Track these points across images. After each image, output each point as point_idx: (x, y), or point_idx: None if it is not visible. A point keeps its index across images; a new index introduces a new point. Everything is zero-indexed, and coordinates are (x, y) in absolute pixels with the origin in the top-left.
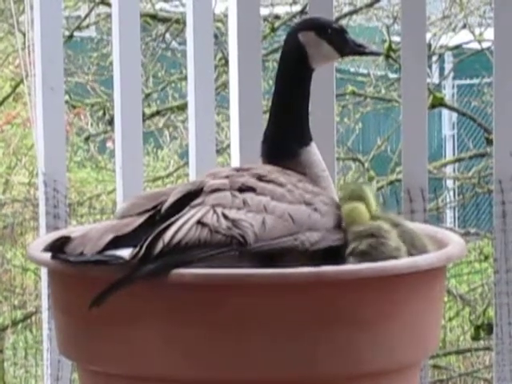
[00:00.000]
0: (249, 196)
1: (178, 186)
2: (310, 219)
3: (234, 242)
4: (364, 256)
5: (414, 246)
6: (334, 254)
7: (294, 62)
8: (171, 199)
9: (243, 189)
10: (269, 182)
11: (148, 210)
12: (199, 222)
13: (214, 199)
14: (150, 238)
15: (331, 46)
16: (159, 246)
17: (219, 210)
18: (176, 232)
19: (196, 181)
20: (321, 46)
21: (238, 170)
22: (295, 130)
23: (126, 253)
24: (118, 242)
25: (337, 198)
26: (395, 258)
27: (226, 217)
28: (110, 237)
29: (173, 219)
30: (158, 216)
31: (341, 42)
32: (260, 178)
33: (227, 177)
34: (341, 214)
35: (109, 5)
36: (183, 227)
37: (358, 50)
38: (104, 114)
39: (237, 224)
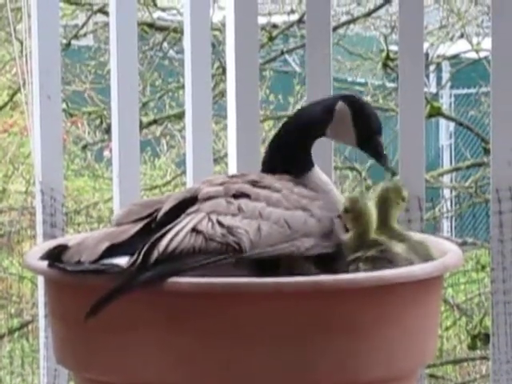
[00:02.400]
0: (243, 202)
1: (173, 194)
2: (306, 225)
3: (229, 249)
4: (376, 261)
5: (419, 256)
6: (328, 259)
7: (316, 118)
8: (166, 206)
9: (237, 195)
10: (263, 187)
11: (144, 218)
12: (194, 230)
13: (209, 206)
14: (146, 247)
15: (355, 133)
16: (154, 254)
17: (214, 217)
18: (171, 240)
19: (191, 188)
20: (346, 128)
21: (232, 176)
22: (291, 160)
23: (122, 261)
24: (114, 250)
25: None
26: (409, 260)
27: (220, 224)
28: (106, 245)
29: (168, 227)
30: (154, 224)
31: (366, 138)
32: (254, 183)
33: (222, 184)
34: (337, 219)
35: (106, 13)
36: (178, 235)
37: (376, 157)
38: (101, 122)
39: (232, 231)
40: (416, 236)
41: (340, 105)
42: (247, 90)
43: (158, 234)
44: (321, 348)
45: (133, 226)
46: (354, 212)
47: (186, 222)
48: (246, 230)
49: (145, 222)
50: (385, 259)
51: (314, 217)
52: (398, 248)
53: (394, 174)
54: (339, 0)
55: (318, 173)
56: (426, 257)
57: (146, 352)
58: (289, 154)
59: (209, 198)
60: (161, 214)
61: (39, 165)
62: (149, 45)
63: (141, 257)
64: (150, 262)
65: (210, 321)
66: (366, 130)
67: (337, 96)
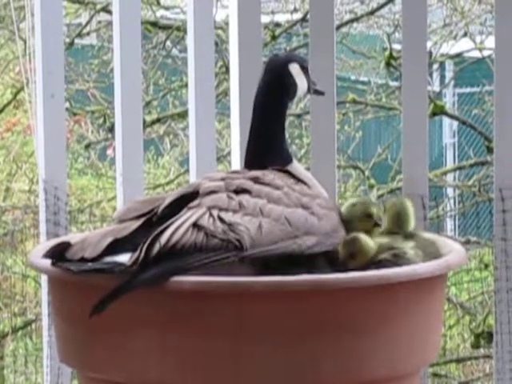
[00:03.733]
0: (244, 198)
1: (175, 190)
2: (307, 223)
3: (230, 246)
4: (388, 265)
5: (426, 254)
6: (330, 257)
7: (286, 92)
8: (167, 200)
9: (238, 191)
10: (265, 184)
11: (145, 214)
12: (195, 225)
13: (210, 201)
14: (147, 242)
15: (307, 82)
16: (156, 248)
17: (215, 212)
18: (172, 234)
19: (192, 183)
20: (303, 79)
21: (233, 172)
22: (275, 153)
23: (125, 258)
24: (116, 245)
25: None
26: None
27: (222, 220)
28: (108, 240)
29: (169, 221)
30: (155, 218)
31: (311, 81)
32: (255, 180)
33: (223, 179)
34: (338, 217)
35: (110, 12)
36: (179, 230)
37: (314, 88)
38: (104, 121)
39: (233, 228)
40: (427, 235)
41: (291, 67)
42: (250, 89)
43: (160, 228)
44: (325, 346)
45: (134, 222)
46: (356, 253)
47: (187, 217)
48: (247, 227)
49: (146, 217)
50: (396, 264)
51: (314, 215)
52: (408, 249)
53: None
54: None
55: (298, 166)
56: (435, 255)
57: (149, 351)
58: (274, 143)
59: (210, 192)
60: (162, 207)
61: (43, 163)
62: (152, 43)
63: (143, 253)
64: (152, 255)
65: (213, 320)
66: (309, 74)
67: (281, 63)
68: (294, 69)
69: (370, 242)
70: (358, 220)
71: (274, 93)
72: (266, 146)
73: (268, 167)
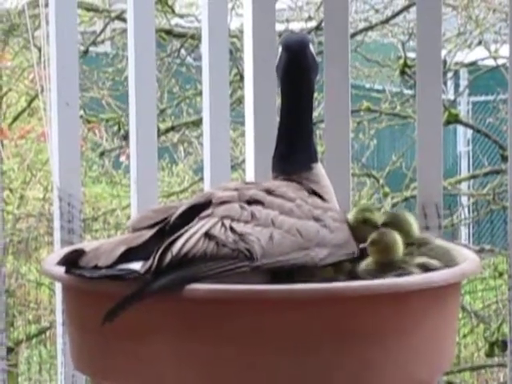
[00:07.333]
0: (257, 209)
1: (188, 199)
2: (319, 235)
3: (240, 256)
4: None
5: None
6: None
7: (315, 75)
8: (180, 210)
9: (251, 202)
10: (277, 196)
11: (158, 223)
12: (207, 235)
13: (222, 211)
14: (160, 250)
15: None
16: (168, 257)
17: (227, 222)
18: (184, 244)
19: (205, 193)
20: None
21: (246, 183)
22: (309, 145)
23: (138, 266)
24: (130, 254)
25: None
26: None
27: (233, 230)
28: (122, 249)
29: (182, 231)
30: (167, 227)
31: None
32: (268, 191)
33: (236, 189)
34: (349, 229)
35: (124, 20)
36: (191, 239)
37: None
38: (119, 129)
39: (244, 238)
40: (441, 243)
41: (312, 49)
42: (265, 97)
43: (172, 238)
44: (336, 357)
45: (148, 230)
46: (381, 245)
47: (199, 226)
48: (258, 238)
49: (159, 226)
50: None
51: (326, 227)
52: (417, 270)
53: None
54: (357, 7)
55: (322, 169)
56: (449, 263)
57: (163, 359)
58: (306, 134)
59: (223, 202)
60: (174, 217)
61: (57, 171)
62: (166, 51)
63: (156, 261)
64: (164, 265)
65: (228, 328)
66: None
67: (306, 48)
68: (312, 49)
69: (398, 240)
70: (357, 227)
71: (304, 80)
72: (294, 141)
73: (296, 160)
